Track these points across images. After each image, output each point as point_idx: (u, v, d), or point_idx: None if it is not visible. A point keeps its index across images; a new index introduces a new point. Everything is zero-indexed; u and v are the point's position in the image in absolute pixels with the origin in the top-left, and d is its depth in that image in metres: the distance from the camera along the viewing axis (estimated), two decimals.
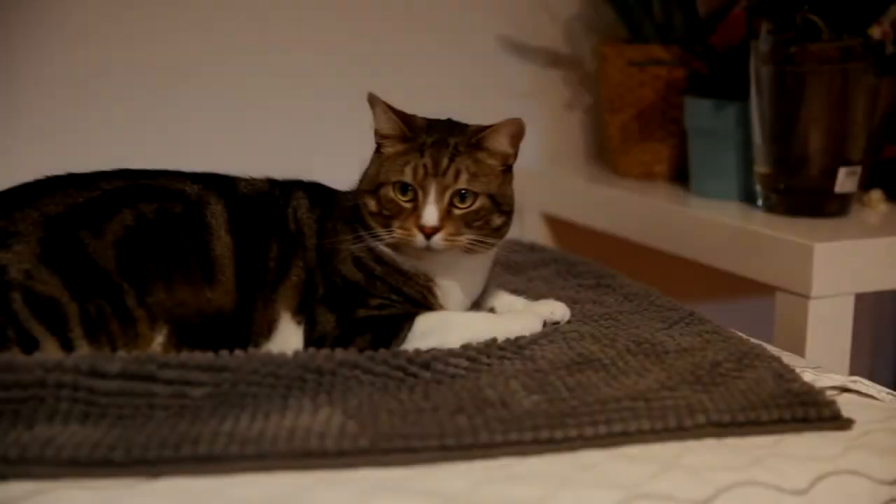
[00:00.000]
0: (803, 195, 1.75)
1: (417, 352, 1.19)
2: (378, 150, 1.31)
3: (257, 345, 1.26)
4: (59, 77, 1.86)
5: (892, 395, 1.25)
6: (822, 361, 1.50)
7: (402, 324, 1.27)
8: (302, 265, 1.31)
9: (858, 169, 1.73)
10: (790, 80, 1.70)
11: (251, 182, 1.36)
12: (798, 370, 1.22)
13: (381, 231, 1.27)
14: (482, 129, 1.31)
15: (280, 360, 1.13)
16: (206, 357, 1.12)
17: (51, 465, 0.95)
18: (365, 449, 0.99)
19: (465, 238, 1.26)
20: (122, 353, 1.11)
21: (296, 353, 1.15)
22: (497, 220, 1.30)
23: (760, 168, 1.76)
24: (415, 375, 1.16)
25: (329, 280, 1.30)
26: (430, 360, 1.17)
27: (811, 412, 1.12)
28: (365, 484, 0.96)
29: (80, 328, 1.18)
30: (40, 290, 1.18)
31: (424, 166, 1.25)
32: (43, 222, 1.22)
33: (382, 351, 1.18)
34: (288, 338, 1.27)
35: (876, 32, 1.83)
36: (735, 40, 1.94)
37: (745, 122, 1.81)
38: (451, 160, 1.26)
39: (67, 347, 1.17)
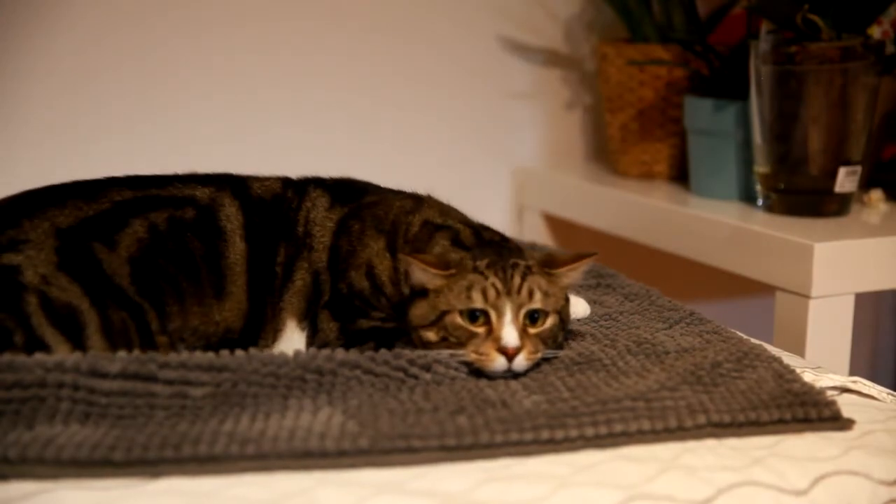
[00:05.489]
0: (803, 195, 1.75)
1: (419, 353, 1.18)
2: (419, 295, 1.21)
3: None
4: (61, 78, 1.86)
5: (892, 395, 1.25)
6: (822, 361, 1.50)
7: (403, 336, 1.26)
8: (307, 267, 1.29)
9: (858, 169, 1.73)
10: (790, 80, 1.70)
11: (264, 183, 1.33)
12: (798, 370, 1.22)
13: (444, 354, 1.17)
14: (559, 262, 1.23)
15: (280, 361, 1.13)
16: (207, 357, 1.11)
17: (51, 465, 0.95)
18: (365, 449, 0.99)
19: (540, 355, 1.18)
20: (122, 353, 1.10)
21: (296, 354, 1.15)
22: (560, 336, 1.24)
23: (760, 168, 1.76)
24: (415, 377, 1.16)
25: (335, 286, 1.28)
26: (431, 362, 1.17)
27: (811, 412, 1.12)
28: (365, 484, 0.96)
29: (101, 337, 1.14)
30: (57, 295, 1.14)
31: (494, 286, 1.17)
32: (55, 233, 1.18)
33: (383, 352, 1.18)
34: (291, 345, 1.26)
35: (876, 32, 1.83)
36: (735, 40, 1.94)
37: (745, 122, 1.81)
38: (524, 279, 1.18)
39: None
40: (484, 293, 1.17)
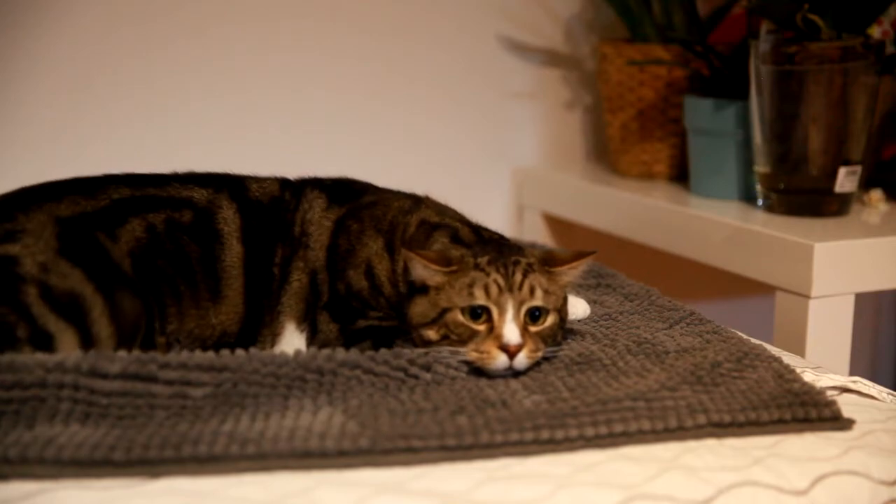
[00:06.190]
0: (803, 195, 1.75)
1: (419, 353, 1.18)
2: (418, 292, 1.21)
3: None
4: (61, 78, 1.86)
5: (892, 395, 1.25)
6: (823, 361, 1.50)
7: (401, 335, 1.26)
8: (302, 267, 1.28)
9: (858, 169, 1.73)
10: (790, 80, 1.70)
11: (262, 184, 1.33)
12: (798, 370, 1.22)
13: (445, 352, 1.17)
14: (558, 260, 1.23)
15: (281, 360, 1.13)
16: (207, 357, 1.11)
17: (52, 465, 0.95)
18: (365, 449, 0.99)
19: (541, 354, 1.18)
20: (122, 353, 1.10)
21: (296, 353, 1.15)
22: (559, 335, 1.24)
23: (760, 168, 1.76)
24: (415, 377, 1.16)
25: (334, 286, 1.28)
26: (431, 361, 1.17)
27: (811, 412, 1.12)
28: (365, 484, 0.96)
29: (108, 322, 1.13)
30: (57, 283, 1.12)
31: (496, 283, 1.16)
32: (54, 220, 1.17)
33: (384, 351, 1.18)
34: (291, 348, 1.25)
35: (876, 32, 1.83)
36: (735, 40, 1.94)
37: (745, 122, 1.81)
38: (525, 276, 1.18)
39: (88, 344, 1.12)
40: (486, 290, 1.17)
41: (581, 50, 2.25)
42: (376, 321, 1.27)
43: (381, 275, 1.27)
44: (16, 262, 1.13)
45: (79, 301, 1.13)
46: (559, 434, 1.04)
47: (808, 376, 1.22)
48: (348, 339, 1.25)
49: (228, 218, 1.27)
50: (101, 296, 1.14)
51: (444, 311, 1.18)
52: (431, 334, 1.19)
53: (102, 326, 1.13)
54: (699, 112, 1.89)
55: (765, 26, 1.75)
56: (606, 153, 2.22)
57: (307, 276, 1.28)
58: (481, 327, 1.17)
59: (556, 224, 2.20)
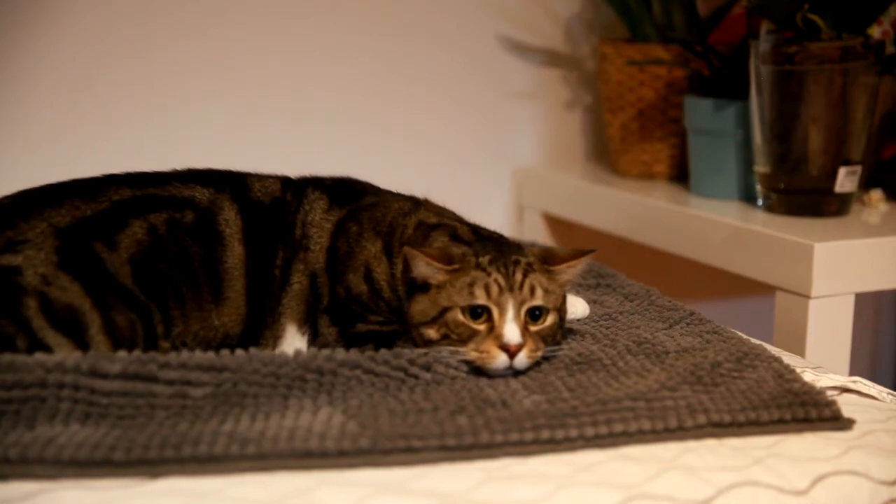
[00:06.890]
0: (803, 195, 1.75)
1: (419, 353, 1.18)
2: (419, 290, 1.21)
3: None
4: (61, 78, 1.86)
5: (892, 395, 1.25)
6: (823, 361, 1.50)
7: (400, 338, 1.25)
8: (303, 269, 1.28)
9: (858, 169, 1.73)
10: (790, 80, 1.70)
11: (264, 183, 1.32)
12: (798, 370, 1.22)
13: (445, 352, 1.17)
14: (558, 258, 1.23)
15: (281, 360, 1.13)
16: (207, 357, 1.11)
17: (52, 465, 0.95)
18: (365, 449, 0.99)
19: (541, 353, 1.18)
20: (122, 353, 1.10)
21: (296, 354, 1.15)
22: (559, 334, 1.24)
23: (760, 168, 1.76)
24: (415, 377, 1.15)
25: (334, 289, 1.28)
26: (432, 361, 1.17)
27: (812, 412, 1.12)
28: (365, 484, 0.96)
29: (105, 338, 1.13)
30: (57, 296, 1.12)
31: (497, 283, 1.16)
32: (54, 232, 1.17)
33: (384, 351, 1.18)
34: (292, 349, 1.25)
35: (876, 32, 1.83)
36: (735, 40, 1.94)
37: (745, 122, 1.81)
38: (525, 276, 1.18)
39: None
40: (487, 289, 1.17)
41: (581, 50, 2.25)
42: (376, 325, 1.26)
43: (379, 278, 1.27)
44: (18, 272, 1.13)
45: (77, 316, 1.13)
46: (559, 434, 1.04)
47: (808, 376, 1.22)
48: (348, 343, 1.25)
49: (230, 219, 1.27)
50: (98, 312, 1.14)
51: (445, 309, 1.18)
52: (432, 333, 1.19)
53: (100, 342, 1.13)
54: (699, 112, 1.89)
55: (765, 26, 1.75)
56: (606, 153, 2.22)
57: (307, 279, 1.28)
58: (481, 327, 1.17)
59: (556, 224, 2.20)
